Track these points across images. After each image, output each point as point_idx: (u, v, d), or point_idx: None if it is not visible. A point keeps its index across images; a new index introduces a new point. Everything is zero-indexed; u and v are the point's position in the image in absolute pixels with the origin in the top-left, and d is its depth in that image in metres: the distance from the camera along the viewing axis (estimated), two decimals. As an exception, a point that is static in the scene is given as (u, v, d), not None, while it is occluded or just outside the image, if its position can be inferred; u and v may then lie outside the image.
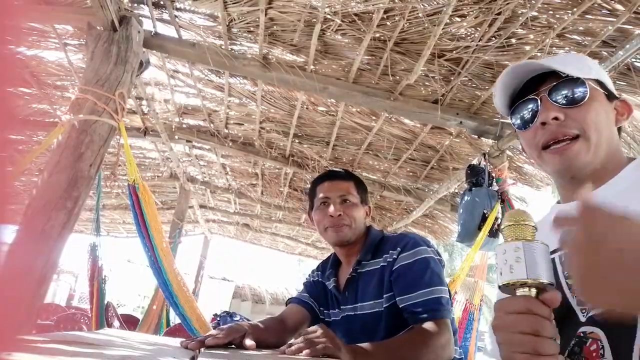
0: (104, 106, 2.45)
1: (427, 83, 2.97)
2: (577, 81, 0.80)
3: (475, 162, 3.49)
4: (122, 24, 2.68)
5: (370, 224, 1.53)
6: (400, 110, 3.11)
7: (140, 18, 2.79)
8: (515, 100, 0.87)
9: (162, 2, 2.74)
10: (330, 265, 1.53)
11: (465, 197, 3.33)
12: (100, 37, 2.66)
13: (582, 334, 0.70)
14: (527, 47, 2.44)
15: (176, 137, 4.33)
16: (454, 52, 2.60)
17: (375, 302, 1.31)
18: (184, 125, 4.33)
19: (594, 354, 0.68)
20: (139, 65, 2.96)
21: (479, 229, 3.15)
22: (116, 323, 2.79)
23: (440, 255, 1.37)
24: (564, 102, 0.80)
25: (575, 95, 0.79)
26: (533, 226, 0.64)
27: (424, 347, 1.14)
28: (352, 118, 3.60)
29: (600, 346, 0.67)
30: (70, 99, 2.54)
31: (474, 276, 3.66)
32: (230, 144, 4.31)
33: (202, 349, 0.99)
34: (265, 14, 2.60)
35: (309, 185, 1.63)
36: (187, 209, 6.18)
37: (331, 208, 1.40)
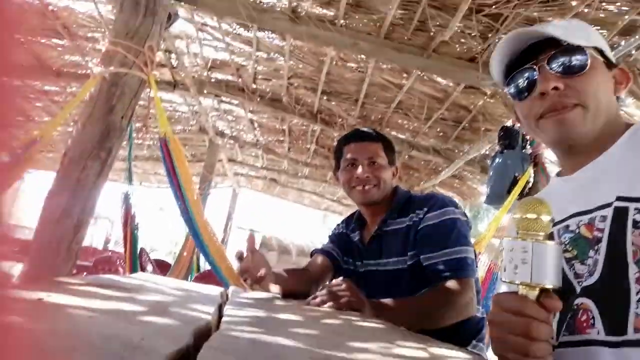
0: (133, 59, 2.46)
1: (462, 40, 2.83)
2: (577, 49, 0.76)
3: (509, 123, 3.37)
4: (151, -25, 2.64)
5: (397, 184, 1.53)
6: (433, 68, 3.00)
7: (169, -32, 2.74)
8: (512, 69, 0.83)
9: (190, -49, 2.66)
10: (355, 221, 1.54)
11: (497, 160, 3.26)
12: (130, -12, 2.64)
13: (575, 306, 0.70)
14: (574, 2, 2.28)
15: (205, 91, 4.34)
16: (494, 6, 2.45)
17: (399, 259, 1.33)
18: (213, 80, 4.33)
19: (585, 324, 0.68)
20: (167, 18, 2.95)
21: (509, 192, 3.09)
22: (149, 267, 2.96)
23: (467, 217, 1.37)
24: (564, 71, 0.76)
25: (575, 64, 0.76)
26: (549, 220, 0.59)
27: (447, 305, 1.16)
28: (382, 75, 3.50)
29: (591, 316, 0.67)
30: (101, 51, 2.56)
31: (500, 237, 3.63)
32: (258, 100, 4.30)
33: (229, 296, 1.05)
34: (296, -36, 2.50)
35: (335, 144, 1.58)
36: (216, 163, 6.29)
37: (359, 170, 1.39)
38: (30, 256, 2.10)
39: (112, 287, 0.90)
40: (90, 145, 2.29)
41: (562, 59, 0.77)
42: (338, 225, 1.65)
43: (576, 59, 0.76)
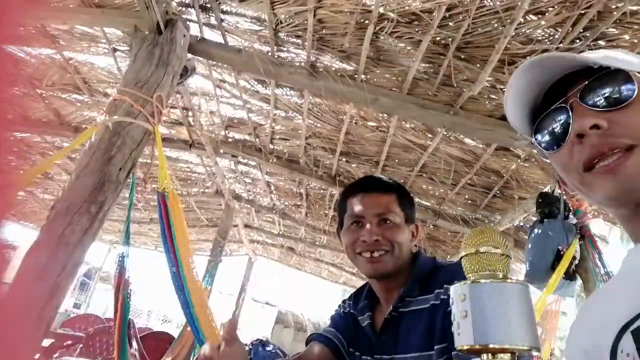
0: (140, 108, 2.33)
1: (493, 96, 2.61)
2: (619, 75, 0.58)
3: (547, 189, 3.04)
4: (168, 27, 2.60)
5: (418, 249, 1.18)
6: (460, 126, 2.76)
7: (187, 23, 2.70)
8: (538, 114, 0.65)
9: (208, 5, 2.63)
10: (365, 296, 1.18)
11: (536, 230, 2.88)
12: (145, 40, 2.59)
13: None
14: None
15: (221, 151, 4.21)
16: (528, 57, 2.24)
17: (422, 355, 0.95)
18: (230, 139, 4.21)
19: None
20: (184, 72, 2.88)
21: (552, 268, 2.68)
22: (134, 345, 2.58)
23: None
24: (604, 103, 0.58)
25: (619, 94, 0.57)
26: (500, 255, 0.47)
27: None
28: (405, 135, 3.29)
29: None
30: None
31: (544, 325, 3.13)
32: (275, 160, 4.12)
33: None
34: (314, 16, 2.40)
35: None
36: (231, 227, 6.05)
37: (366, 230, 1.07)
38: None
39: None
40: (81, 197, 2.08)
41: (600, 89, 0.58)
42: (344, 302, 1.29)
43: (619, 87, 0.58)
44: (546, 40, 2.15)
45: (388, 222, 1.08)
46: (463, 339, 0.45)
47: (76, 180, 2.14)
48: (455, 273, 0.98)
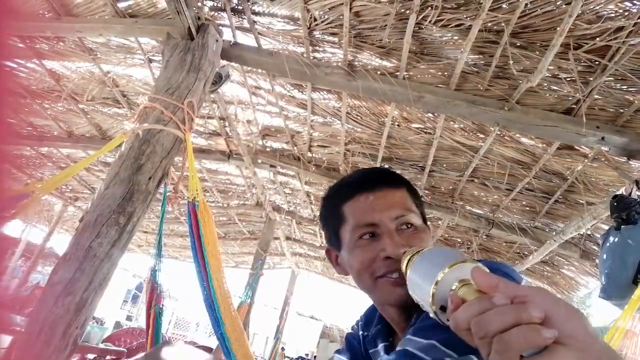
0: (170, 115, 2.24)
1: (554, 86, 2.31)
2: None
3: (622, 192, 2.66)
4: (200, 32, 2.51)
5: None
6: (516, 123, 2.47)
7: (220, 28, 2.61)
8: None
9: (240, 7, 2.52)
10: (379, 321, 0.90)
11: (611, 239, 2.51)
12: (177, 46, 2.52)
13: None
14: None
15: (259, 160, 4.10)
16: (598, 39, 1.95)
17: None
18: (267, 149, 4.10)
19: None
20: (218, 79, 2.79)
21: (635, 282, 2.31)
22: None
23: None
24: None
25: None
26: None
27: None
28: (453, 136, 3.01)
29: None
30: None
31: (623, 347, 2.72)
32: (314, 169, 3.95)
33: None
34: (350, 9, 2.22)
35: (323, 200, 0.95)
36: (272, 240, 5.93)
37: (386, 242, 0.77)
38: (18, 344, 1.73)
39: None
40: (109, 208, 1.99)
41: None
42: (357, 322, 1.00)
43: None
44: (620, 16, 1.85)
45: (410, 225, 0.80)
46: (421, 294, 0.54)
47: (105, 190, 2.06)
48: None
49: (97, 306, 1.98)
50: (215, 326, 1.86)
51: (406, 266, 0.60)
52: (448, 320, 0.47)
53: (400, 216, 0.80)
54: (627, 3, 1.80)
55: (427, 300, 0.51)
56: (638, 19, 1.80)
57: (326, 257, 0.94)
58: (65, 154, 4.76)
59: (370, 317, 0.95)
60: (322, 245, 6.57)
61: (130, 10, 2.66)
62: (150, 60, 3.10)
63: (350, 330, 1.01)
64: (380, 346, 0.86)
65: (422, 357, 0.59)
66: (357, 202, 0.82)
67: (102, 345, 4.01)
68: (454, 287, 0.48)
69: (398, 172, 3.38)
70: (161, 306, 2.36)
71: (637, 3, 1.77)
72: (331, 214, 0.88)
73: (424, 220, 0.86)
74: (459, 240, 4.84)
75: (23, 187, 1.96)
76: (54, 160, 5.01)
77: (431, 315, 0.52)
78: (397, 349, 0.65)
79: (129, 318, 17.73)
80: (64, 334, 1.78)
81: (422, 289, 0.52)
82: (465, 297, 0.46)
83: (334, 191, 0.91)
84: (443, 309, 0.50)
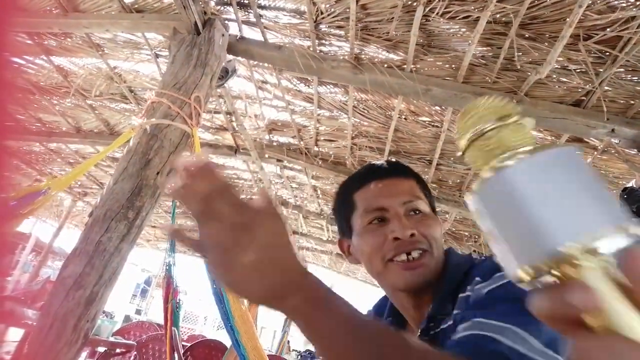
0: (177, 110, 2.24)
1: (563, 78, 2.29)
2: None
3: (632, 184, 2.63)
4: (206, 27, 2.51)
5: (449, 247, 0.90)
6: (525, 115, 2.45)
7: (226, 22, 2.61)
8: None
9: (246, 1, 2.51)
10: (389, 312, 0.92)
11: (620, 231, 2.49)
12: (184, 41, 2.52)
13: None
14: None
15: (266, 155, 4.11)
16: (608, 29, 1.92)
17: None
18: (274, 143, 4.10)
19: None
20: (225, 73, 2.79)
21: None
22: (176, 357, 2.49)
23: None
24: None
25: None
26: (514, 124, 0.31)
27: None
28: (461, 130, 2.99)
29: None
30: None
31: None
32: (320, 163, 3.95)
33: None
34: (357, 2, 2.21)
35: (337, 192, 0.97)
36: (279, 234, 5.95)
37: (395, 224, 0.80)
38: (30, 338, 1.76)
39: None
40: (118, 203, 2.01)
41: None
42: (368, 313, 1.00)
43: None
44: (631, 6, 1.82)
45: (418, 212, 0.83)
46: (511, 267, 0.28)
47: (114, 185, 2.08)
48: (487, 269, 0.71)
49: (107, 300, 2.01)
50: (225, 319, 1.87)
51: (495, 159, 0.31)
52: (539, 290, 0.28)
53: (409, 201, 0.83)
54: (638, -8, 1.78)
55: (538, 251, 0.27)
56: (650, 8, 1.77)
57: (339, 248, 0.96)
58: (74, 150, 4.79)
59: (381, 309, 0.96)
60: (329, 239, 6.58)
61: (136, 6, 2.67)
62: (157, 56, 3.10)
63: None
64: None
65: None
66: (368, 190, 0.86)
67: (112, 339, 4.06)
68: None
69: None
70: (178, 300, 2.38)
71: (649, -8, 1.74)
72: (343, 203, 0.91)
73: (433, 210, 0.87)
74: (466, 233, 4.83)
75: (37, 184, 1.98)
76: (62, 156, 5.05)
77: (519, 273, 0.28)
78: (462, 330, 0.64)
79: (138, 312, 17.90)
80: (74, 328, 1.80)
81: (538, 229, 0.27)
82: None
83: (346, 182, 0.94)
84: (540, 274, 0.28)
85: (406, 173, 0.89)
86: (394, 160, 0.95)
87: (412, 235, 0.79)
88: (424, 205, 0.84)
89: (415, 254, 0.78)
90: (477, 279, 0.71)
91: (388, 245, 0.79)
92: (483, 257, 0.81)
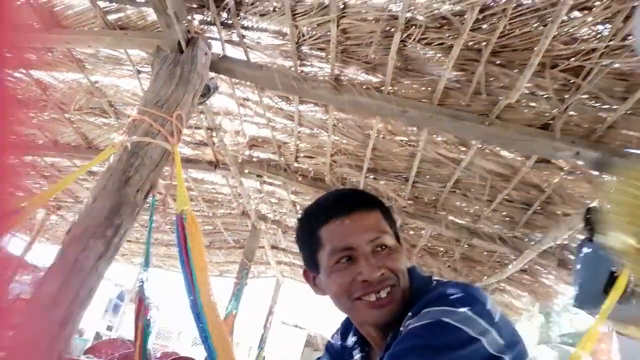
0: (159, 128, 2.26)
1: (532, 103, 2.41)
2: None
3: (596, 204, 2.77)
4: (189, 45, 2.55)
5: (413, 266, 0.90)
6: (496, 137, 2.57)
7: (209, 41, 2.65)
8: None
9: (230, 22, 2.57)
10: (355, 332, 0.95)
11: (585, 249, 2.61)
12: (167, 59, 2.54)
13: None
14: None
15: (246, 170, 4.13)
16: (572, 59, 2.05)
17: None
18: (254, 159, 4.13)
19: None
20: (207, 90, 2.82)
21: (605, 292, 2.40)
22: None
23: (500, 326, 0.69)
24: None
25: None
26: None
27: None
28: (436, 149, 3.10)
29: None
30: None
31: (594, 356, 2.82)
32: (300, 179, 4.00)
33: None
34: (338, 26, 2.29)
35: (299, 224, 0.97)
36: (257, 249, 5.93)
37: (364, 265, 0.80)
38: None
39: None
40: (97, 221, 2.00)
41: None
42: (337, 332, 1.04)
43: None
44: (593, 39, 1.96)
45: (384, 247, 0.83)
46: None
47: (93, 203, 2.06)
48: (423, 302, 0.74)
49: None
50: (203, 337, 1.88)
51: None
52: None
53: (376, 238, 0.82)
54: (599, 26, 1.91)
55: None
56: (609, 41, 1.90)
57: (304, 278, 0.97)
58: (49, 163, 4.71)
59: (347, 328, 0.99)
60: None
61: (120, 23, 2.68)
62: (139, 72, 3.11)
63: (330, 340, 1.05)
64: (357, 357, 0.91)
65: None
66: (333, 226, 0.84)
67: (83, 358, 3.95)
68: None
69: (382, 182, 3.43)
70: (149, 318, 2.36)
71: (609, 26, 1.87)
72: (308, 237, 0.89)
73: (397, 238, 0.88)
74: (442, 249, 4.93)
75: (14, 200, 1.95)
76: (37, 169, 4.94)
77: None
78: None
79: (109, 328, 17.35)
80: (47, 351, 1.77)
81: None
82: None
83: (309, 214, 0.92)
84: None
85: (371, 205, 0.88)
86: (358, 189, 0.95)
87: (382, 274, 0.80)
88: (389, 239, 0.84)
89: (383, 293, 0.80)
90: (410, 314, 0.76)
91: (356, 285, 0.80)
92: (434, 284, 0.84)
